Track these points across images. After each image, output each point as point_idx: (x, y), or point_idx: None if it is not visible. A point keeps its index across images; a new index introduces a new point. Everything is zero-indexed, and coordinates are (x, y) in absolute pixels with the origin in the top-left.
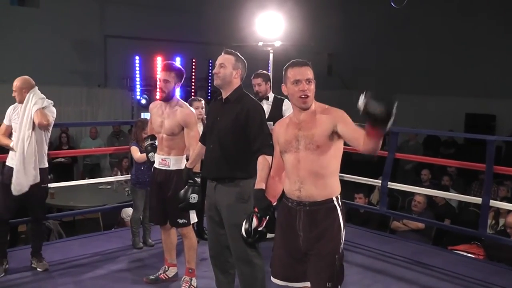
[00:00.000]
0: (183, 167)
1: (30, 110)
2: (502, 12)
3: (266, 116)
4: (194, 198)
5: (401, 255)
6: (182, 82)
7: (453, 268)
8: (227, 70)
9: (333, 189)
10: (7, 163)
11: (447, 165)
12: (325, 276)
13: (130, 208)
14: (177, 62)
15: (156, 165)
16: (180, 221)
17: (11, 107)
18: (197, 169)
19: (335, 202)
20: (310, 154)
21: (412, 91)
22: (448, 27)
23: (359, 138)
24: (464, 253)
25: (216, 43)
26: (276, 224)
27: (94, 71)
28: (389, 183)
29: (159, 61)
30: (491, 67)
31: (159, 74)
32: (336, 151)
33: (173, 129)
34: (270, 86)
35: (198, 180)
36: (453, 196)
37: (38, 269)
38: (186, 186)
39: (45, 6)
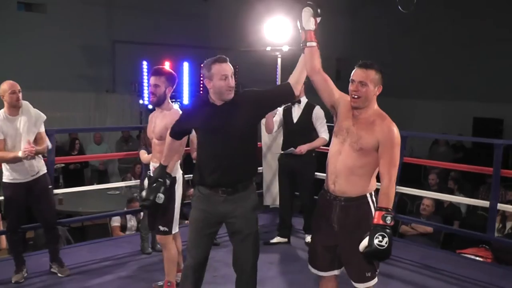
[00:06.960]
0: (174, 174)
1: None
2: (510, 17)
3: (296, 120)
4: (160, 198)
5: (410, 259)
6: (174, 86)
7: (462, 272)
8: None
9: (367, 187)
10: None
11: (455, 169)
12: (364, 266)
13: None
14: (185, 67)
15: (150, 173)
16: (162, 228)
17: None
18: (169, 170)
19: (369, 199)
20: (352, 152)
21: (420, 96)
22: (456, 32)
23: (384, 174)
24: (472, 257)
25: (224, 48)
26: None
27: (102, 77)
28: (397, 187)
29: (167, 66)
30: (499, 71)
31: (150, 79)
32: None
33: (162, 133)
34: (304, 89)
35: (169, 182)
36: (461, 199)
37: (59, 274)
38: (155, 184)
39: (52, 12)
